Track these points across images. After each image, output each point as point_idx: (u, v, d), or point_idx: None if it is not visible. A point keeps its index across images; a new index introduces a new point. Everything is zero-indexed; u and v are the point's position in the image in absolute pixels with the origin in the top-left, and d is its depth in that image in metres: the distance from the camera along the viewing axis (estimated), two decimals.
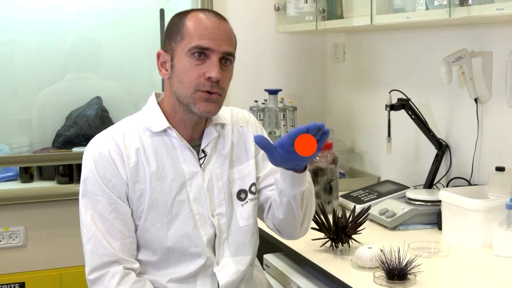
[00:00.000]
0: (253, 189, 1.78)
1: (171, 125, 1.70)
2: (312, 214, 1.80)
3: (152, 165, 1.67)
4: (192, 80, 1.62)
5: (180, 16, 1.69)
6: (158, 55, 1.71)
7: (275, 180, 1.72)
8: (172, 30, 1.68)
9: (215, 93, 1.64)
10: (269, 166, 1.81)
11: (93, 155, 1.66)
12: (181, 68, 1.64)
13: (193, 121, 1.70)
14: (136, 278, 1.65)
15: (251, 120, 1.84)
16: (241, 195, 1.77)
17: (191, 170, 1.70)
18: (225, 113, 1.81)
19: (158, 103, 1.74)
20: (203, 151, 1.73)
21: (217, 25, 1.65)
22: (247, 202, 1.77)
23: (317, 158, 2.33)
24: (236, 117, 1.82)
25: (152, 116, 1.71)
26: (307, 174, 1.70)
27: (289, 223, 1.75)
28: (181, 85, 1.65)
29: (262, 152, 1.80)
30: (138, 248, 1.70)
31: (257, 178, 1.80)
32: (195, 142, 1.73)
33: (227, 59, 1.65)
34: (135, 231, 1.68)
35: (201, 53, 1.62)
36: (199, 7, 2.86)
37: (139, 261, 1.69)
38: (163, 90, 1.78)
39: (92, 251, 1.63)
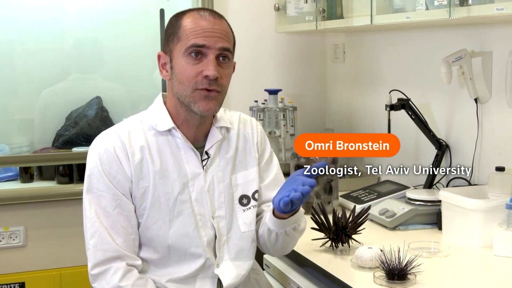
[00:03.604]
0: (256, 196, 1.79)
1: (175, 125, 1.71)
2: (288, 251, 1.85)
3: (156, 164, 1.68)
4: (190, 79, 1.64)
5: (177, 18, 1.70)
6: (159, 57, 1.73)
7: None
8: (169, 31, 1.70)
9: (214, 90, 1.65)
10: (270, 177, 1.84)
11: (99, 151, 1.67)
12: (179, 68, 1.66)
13: (196, 121, 1.71)
14: (139, 275, 1.66)
15: (258, 129, 1.86)
16: (243, 200, 1.78)
17: (194, 171, 1.71)
18: (232, 117, 1.82)
19: (163, 103, 1.75)
20: (207, 153, 1.74)
21: (212, 23, 1.66)
22: (249, 208, 1.78)
23: (317, 158, 2.33)
24: (244, 123, 1.84)
25: (157, 115, 1.72)
26: (293, 220, 1.71)
27: (264, 243, 1.81)
28: (180, 85, 1.66)
29: (265, 160, 1.84)
30: (140, 245, 1.71)
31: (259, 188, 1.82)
32: (199, 143, 1.74)
33: (224, 56, 1.66)
34: (137, 228, 1.69)
35: (198, 52, 1.63)
36: (200, 7, 2.85)
37: (140, 259, 1.69)
38: (163, 90, 1.79)
39: (96, 246, 1.64)
